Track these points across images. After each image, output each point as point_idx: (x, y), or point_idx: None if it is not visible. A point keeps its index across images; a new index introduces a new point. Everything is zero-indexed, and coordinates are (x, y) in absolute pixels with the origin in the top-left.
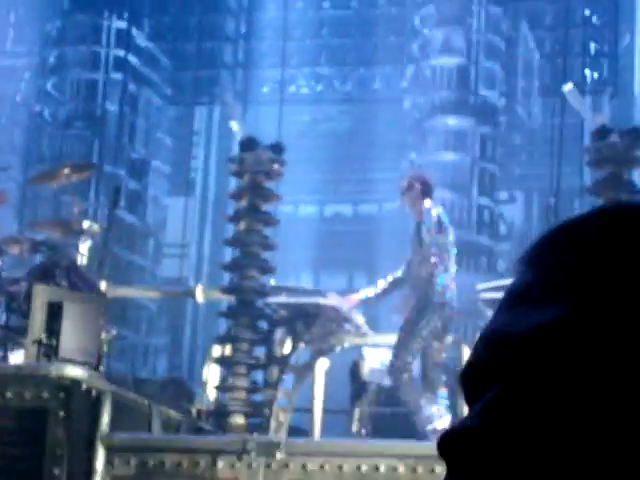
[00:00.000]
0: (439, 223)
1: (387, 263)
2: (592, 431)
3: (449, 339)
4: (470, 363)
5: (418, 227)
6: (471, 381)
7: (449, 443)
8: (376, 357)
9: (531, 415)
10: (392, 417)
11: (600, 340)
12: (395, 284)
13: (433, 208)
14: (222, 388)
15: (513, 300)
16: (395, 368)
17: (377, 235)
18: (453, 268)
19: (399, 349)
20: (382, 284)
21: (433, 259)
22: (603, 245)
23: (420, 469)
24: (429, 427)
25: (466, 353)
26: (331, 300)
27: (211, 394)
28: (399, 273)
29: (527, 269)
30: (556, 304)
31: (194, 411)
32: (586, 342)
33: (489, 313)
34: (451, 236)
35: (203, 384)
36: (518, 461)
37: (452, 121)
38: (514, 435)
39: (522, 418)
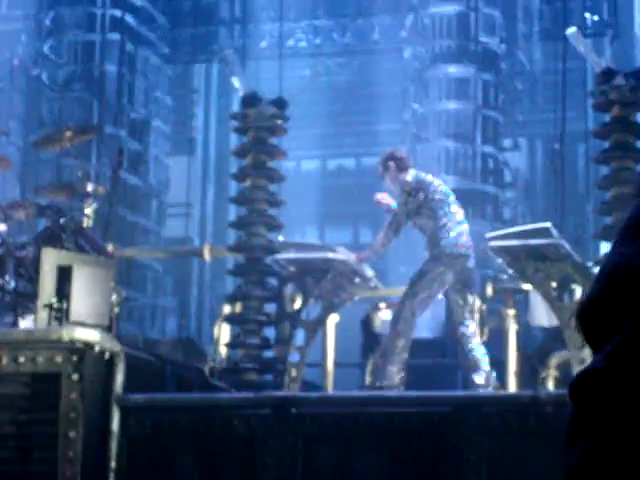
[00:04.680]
0: (417, 187)
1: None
2: None
3: (470, 298)
4: (591, 299)
5: (408, 197)
6: (594, 318)
7: (580, 386)
8: (387, 309)
9: None
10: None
11: None
12: (393, 231)
13: (411, 175)
14: (234, 346)
15: (634, 232)
16: (395, 319)
17: (381, 188)
18: (459, 216)
19: (403, 300)
20: (381, 235)
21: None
22: None
23: (436, 418)
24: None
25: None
26: (340, 254)
27: (223, 352)
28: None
29: None
30: None
31: (207, 370)
32: None
33: (498, 261)
34: (440, 188)
35: (214, 343)
36: None
37: (453, 69)
38: None
39: None
